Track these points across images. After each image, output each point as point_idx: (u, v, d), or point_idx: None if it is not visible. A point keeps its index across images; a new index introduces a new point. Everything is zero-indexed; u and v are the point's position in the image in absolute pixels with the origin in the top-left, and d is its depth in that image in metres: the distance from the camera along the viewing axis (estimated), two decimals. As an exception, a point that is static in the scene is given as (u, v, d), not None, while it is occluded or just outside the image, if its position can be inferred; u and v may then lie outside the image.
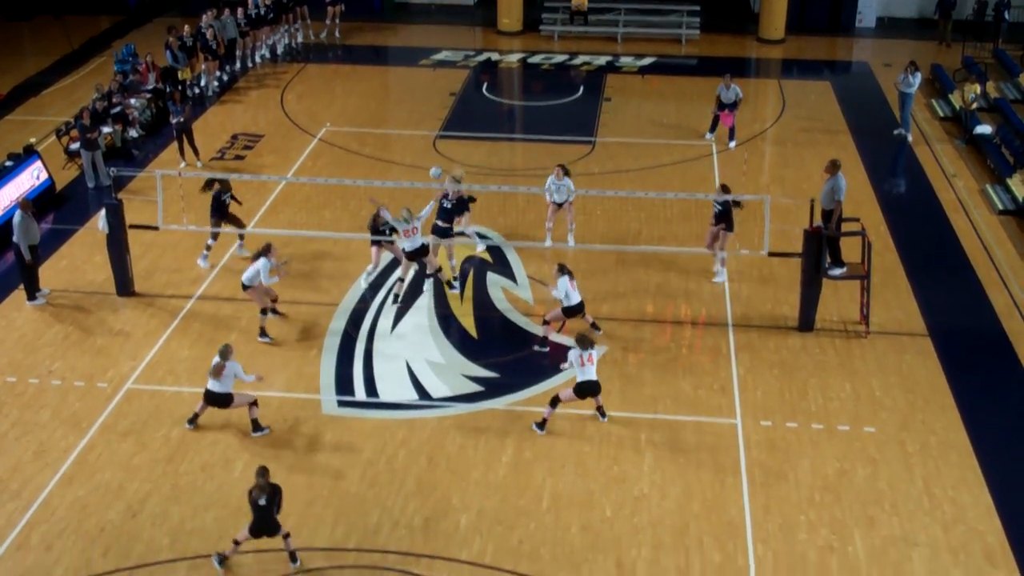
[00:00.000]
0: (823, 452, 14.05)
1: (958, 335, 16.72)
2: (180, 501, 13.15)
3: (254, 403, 14.26)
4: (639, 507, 13.07)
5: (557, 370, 15.58)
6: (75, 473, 13.65)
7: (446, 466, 13.79)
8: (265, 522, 11.83)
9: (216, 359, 13.95)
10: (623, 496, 13.25)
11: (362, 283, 18.00)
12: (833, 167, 16.76)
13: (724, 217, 17.69)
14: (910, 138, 24.34)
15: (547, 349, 16.22)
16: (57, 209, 21.03)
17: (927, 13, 33.37)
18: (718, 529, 12.75)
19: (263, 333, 16.34)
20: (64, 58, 29.81)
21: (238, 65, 28.82)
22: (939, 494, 13.31)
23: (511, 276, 18.40)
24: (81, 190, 21.76)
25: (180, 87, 25.50)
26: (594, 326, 16.47)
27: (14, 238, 17.10)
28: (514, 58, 30.86)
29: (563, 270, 15.88)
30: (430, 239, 17.50)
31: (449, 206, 17.66)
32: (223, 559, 12.08)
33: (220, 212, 18.26)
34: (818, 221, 16.57)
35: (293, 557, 12.11)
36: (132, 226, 17.42)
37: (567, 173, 18.59)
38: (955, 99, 25.87)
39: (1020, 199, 20.66)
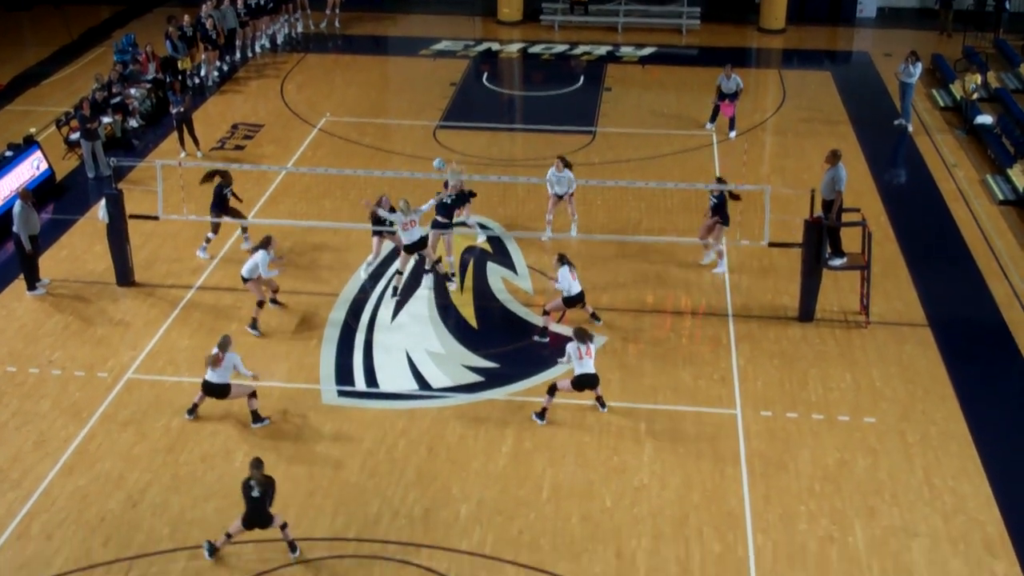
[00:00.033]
0: (823, 442, 14.05)
1: (958, 325, 16.72)
2: (180, 491, 13.17)
3: (253, 394, 14.24)
4: (639, 497, 13.08)
5: (557, 360, 15.57)
6: (75, 463, 13.66)
7: (446, 456, 13.80)
8: (257, 514, 11.83)
9: (215, 350, 13.95)
10: (623, 486, 13.26)
11: (362, 273, 17.99)
12: (834, 157, 16.74)
13: (719, 210, 17.68)
14: (911, 128, 24.30)
15: (547, 339, 16.20)
16: (57, 199, 21.02)
17: (928, 3, 33.32)
18: (718, 519, 12.75)
19: (253, 325, 16.28)
20: (64, 48, 29.78)
21: (238, 55, 28.80)
22: (939, 484, 13.31)
23: (511, 266, 18.38)
24: (81, 180, 21.75)
25: (180, 77, 25.43)
26: (594, 316, 16.47)
27: (14, 228, 17.09)
28: (514, 48, 30.81)
29: (563, 260, 15.88)
30: (429, 232, 17.47)
31: (448, 200, 17.64)
32: (214, 550, 12.08)
33: (221, 206, 18.24)
34: (818, 211, 16.54)
35: (292, 547, 12.11)
36: (132, 216, 17.43)
37: (567, 165, 18.56)
38: (956, 89, 25.83)
39: (1020, 189, 20.63)
